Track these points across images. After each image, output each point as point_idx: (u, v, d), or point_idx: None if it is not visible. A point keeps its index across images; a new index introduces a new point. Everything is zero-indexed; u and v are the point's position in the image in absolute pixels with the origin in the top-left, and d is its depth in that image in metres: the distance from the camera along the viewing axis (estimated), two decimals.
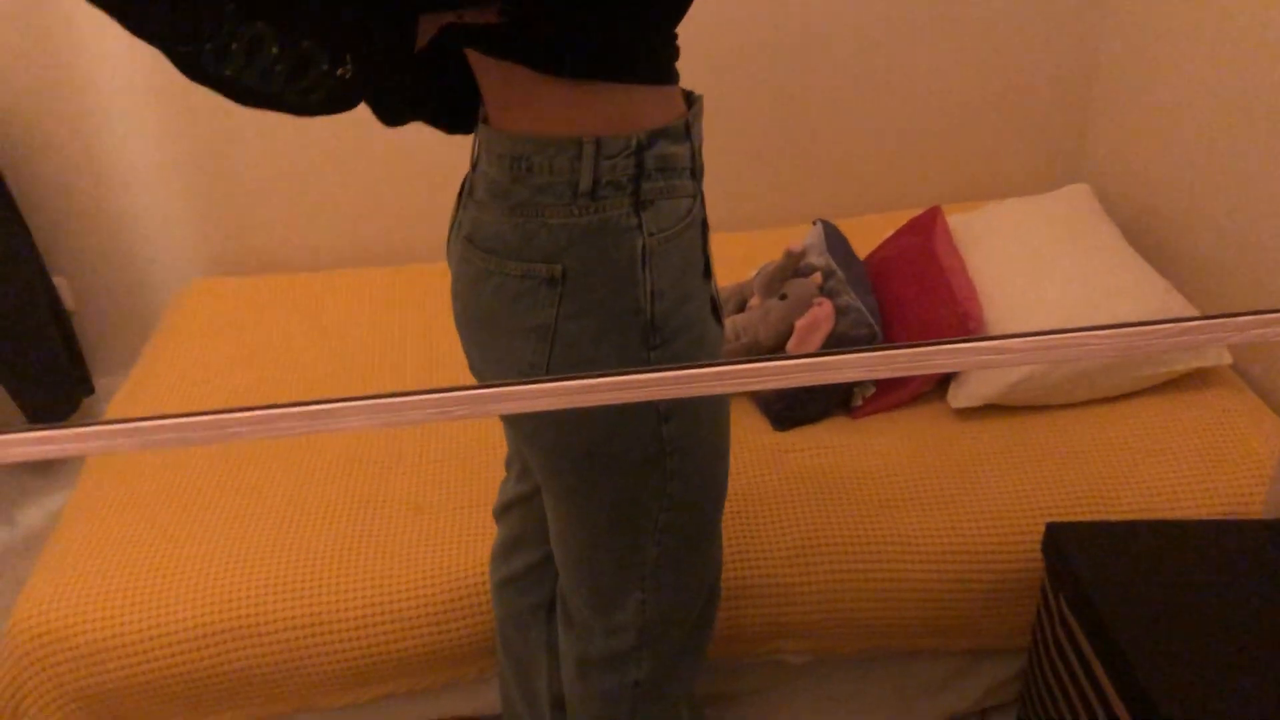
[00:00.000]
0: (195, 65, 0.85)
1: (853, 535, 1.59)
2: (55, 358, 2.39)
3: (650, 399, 0.52)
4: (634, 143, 0.96)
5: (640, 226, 0.98)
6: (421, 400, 0.55)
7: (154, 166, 2.39)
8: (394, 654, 1.54)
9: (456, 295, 1.09)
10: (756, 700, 1.66)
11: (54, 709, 1.54)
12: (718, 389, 0.52)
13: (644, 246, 0.99)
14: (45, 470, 2.42)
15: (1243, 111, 1.85)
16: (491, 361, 1.08)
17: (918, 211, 2.23)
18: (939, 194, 2.50)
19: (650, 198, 0.99)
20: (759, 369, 0.50)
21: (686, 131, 1.01)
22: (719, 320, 1.11)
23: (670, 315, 1.02)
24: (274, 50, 0.85)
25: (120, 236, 2.47)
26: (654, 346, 1.02)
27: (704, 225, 1.08)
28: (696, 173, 1.04)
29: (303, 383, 2.02)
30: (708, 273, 1.08)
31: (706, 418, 1.11)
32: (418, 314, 2.23)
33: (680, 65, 2.28)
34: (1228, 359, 1.77)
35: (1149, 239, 2.15)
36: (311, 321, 2.22)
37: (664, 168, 0.99)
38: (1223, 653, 1.25)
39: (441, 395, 0.55)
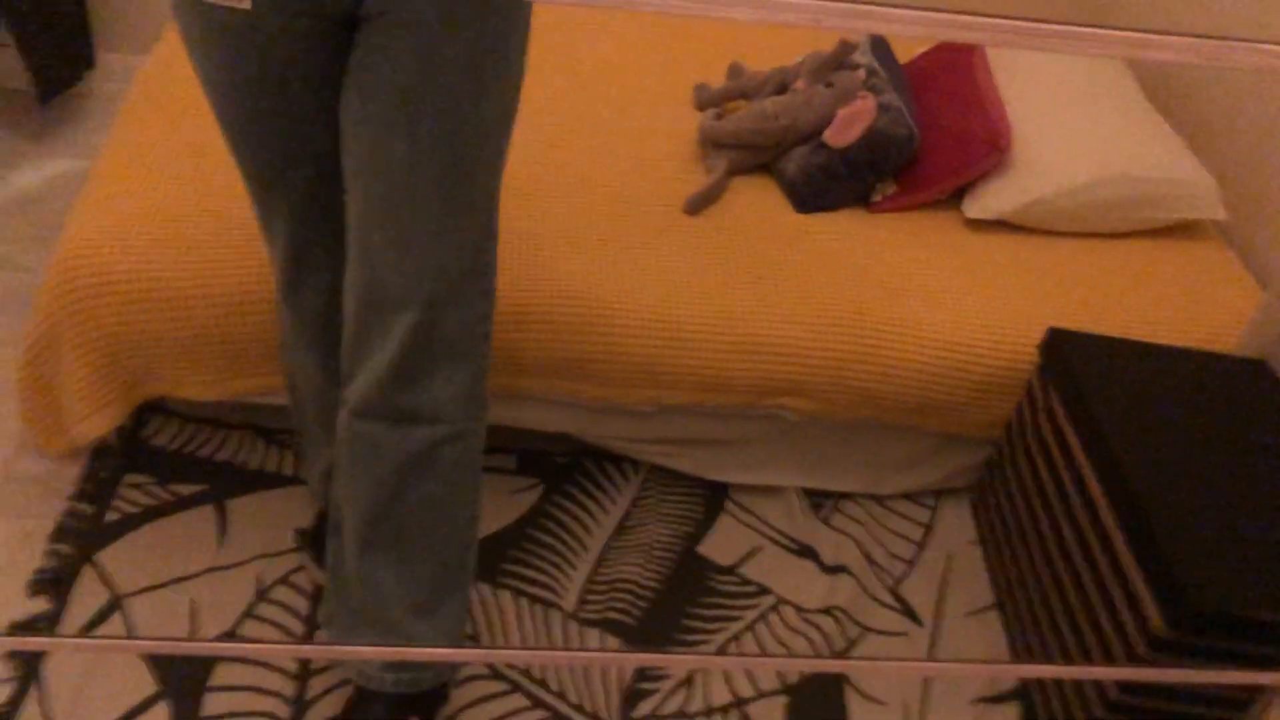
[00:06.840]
0: None
1: (864, 312, 1.70)
2: (65, 23, 2.31)
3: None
4: None
5: None
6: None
7: None
8: None
9: None
10: (748, 448, 1.80)
11: (88, 351, 1.57)
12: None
13: None
14: (39, 136, 2.36)
15: None
16: None
17: None
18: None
19: None
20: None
21: None
22: None
23: None
24: None
25: None
26: None
27: None
28: None
29: None
30: None
31: None
32: None
33: None
34: (1222, 214, 1.90)
35: (1165, 104, 2.25)
36: None
37: None
38: (1193, 450, 1.42)
39: None
